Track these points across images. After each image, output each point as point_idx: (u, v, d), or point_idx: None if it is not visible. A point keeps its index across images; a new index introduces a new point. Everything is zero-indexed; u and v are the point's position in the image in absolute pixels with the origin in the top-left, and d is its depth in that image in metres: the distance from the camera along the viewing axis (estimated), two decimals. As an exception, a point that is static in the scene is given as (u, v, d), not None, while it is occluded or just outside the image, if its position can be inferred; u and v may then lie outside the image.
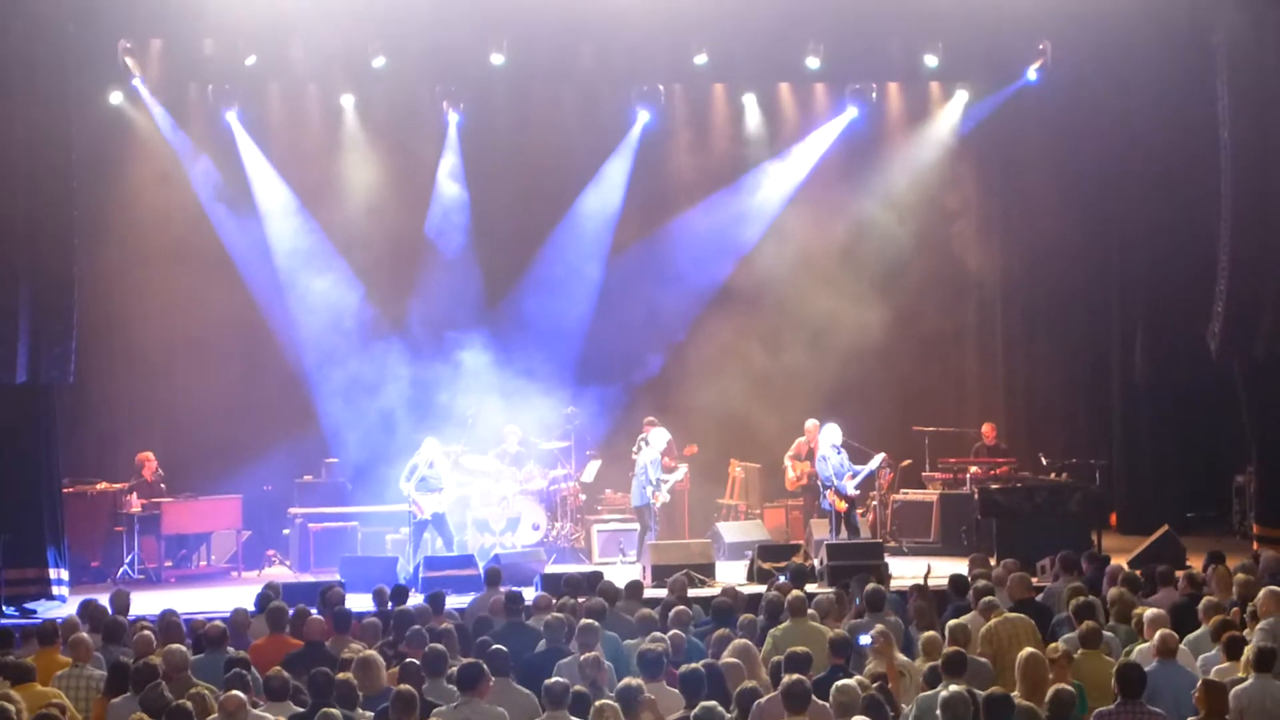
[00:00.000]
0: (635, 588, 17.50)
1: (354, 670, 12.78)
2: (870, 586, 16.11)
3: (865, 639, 13.83)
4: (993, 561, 19.54)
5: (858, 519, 23.24)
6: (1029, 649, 12.97)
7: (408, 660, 13.34)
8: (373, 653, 13.63)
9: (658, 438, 23.87)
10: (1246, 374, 23.39)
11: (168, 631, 15.32)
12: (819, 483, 23.39)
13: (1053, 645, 13.22)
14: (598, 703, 11.43)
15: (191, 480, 24.89)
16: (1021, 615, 14.94)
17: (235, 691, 11.82)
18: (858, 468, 23.01)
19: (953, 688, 11.46)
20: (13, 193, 21.01)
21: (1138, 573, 17.30)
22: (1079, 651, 13.34)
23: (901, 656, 13.86)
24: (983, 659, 13.66)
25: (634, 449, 24.63)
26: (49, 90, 21.28)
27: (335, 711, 11.49)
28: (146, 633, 14.89)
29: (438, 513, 22.94)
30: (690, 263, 26.88)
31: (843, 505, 22.88)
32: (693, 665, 12.97)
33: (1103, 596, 15.95)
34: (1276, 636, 13.43)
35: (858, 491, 23.08)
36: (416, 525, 22.91)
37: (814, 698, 11.58)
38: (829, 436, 23.13)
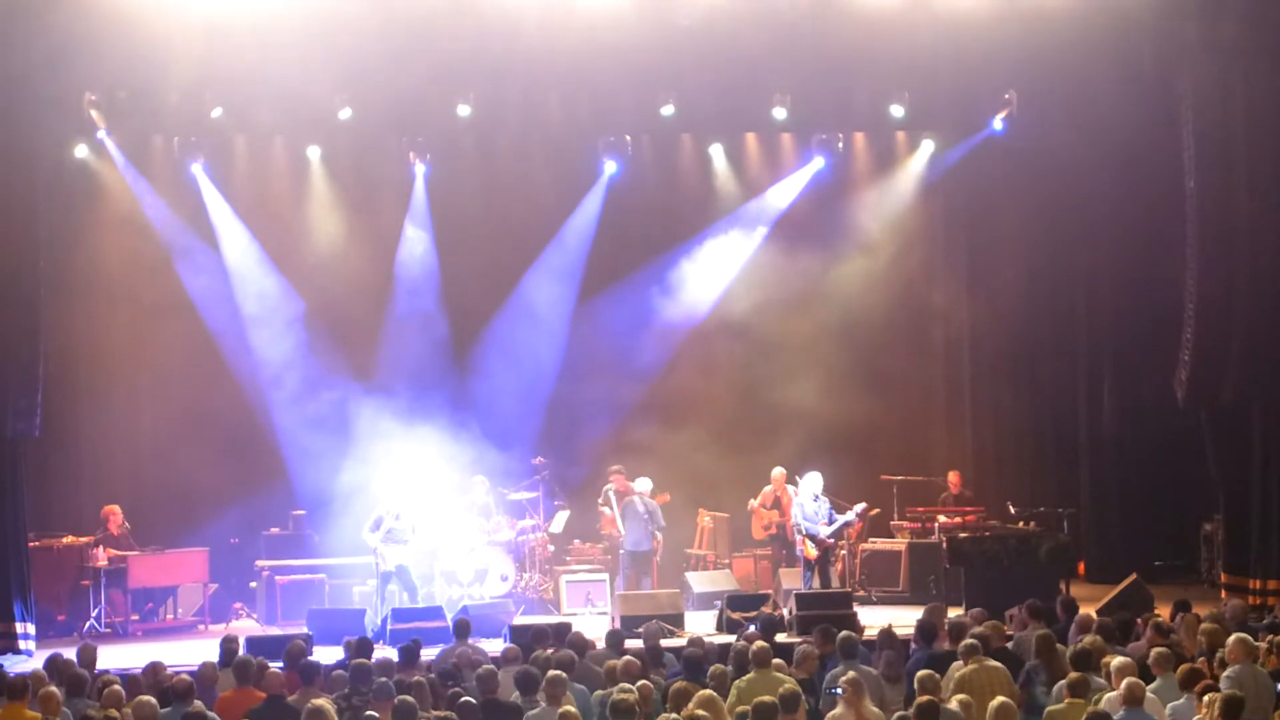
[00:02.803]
0: (615, 638, 17.40)
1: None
2: (843, 634, 16.06)
3: (837, 689, 13.79)
4: (956, 611, 19.51)
5: (830, 569, 23.18)
6: (1001, 698, 12.96)
7: (366, 714, 13.28)
8: (323, 703, 13.56)
9: (643, 485, 24.07)
10: (1213, 421, 23.45)
11: (136, 685, 15.23)
12: (796, 530, 23.35)
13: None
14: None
15: (158, 533, 24.76)
16: (998, 664, 14.95)
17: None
18: (837, 516, 22.98)
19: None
20: (-23, 244, 20.96)
21: (1110, 620, 17.30)
22: (1066, 701, 13.31)
23: (872, 708, 13.81)
24: (954, 708, 13.62)
25: (599, 499, 24.64)
26: (13, 143, 21.26)
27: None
28: (116, 687, 14.78)
29: (401, 564, 22.84)
30: (658, 312, 26.89)
31: (812, 554, 22.83)
32: (668, 717, 12.94)
33: (1070, 644, 15.91)
34: (1243, 684, 13.44)
35: (831, 541, 23.02)
36: (382, 576, 22.81)
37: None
38: (809, 485, 23.09)
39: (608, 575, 24.62)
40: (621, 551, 24.35)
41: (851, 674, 14.16)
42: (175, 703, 14.42)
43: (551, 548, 25.31)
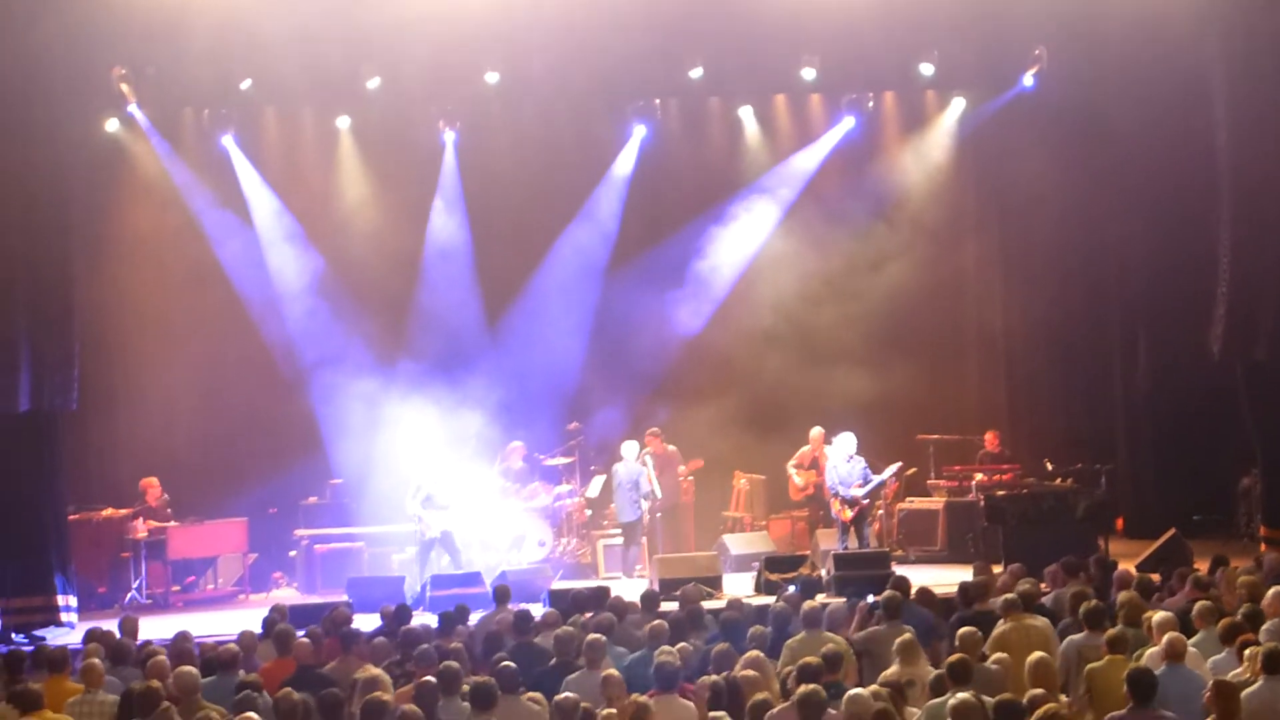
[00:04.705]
0: (650, 599, 17.45)
1: (361, 690, 12.80)
2: (887, 593, 16.06)
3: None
4: (997, 569, 19.52)
5: (867, 529, 23.20)
6: (1039, 653, 12.96)
7: (421, 680, 13.31)
8: (378, 672, 13.66)
9: (628, 451, 24.13)
10: (1249, 376, 23.37)
11: (180, 655, 15.31)
12: (829, 492, 23.38)
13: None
14: (604, 711, 11.45)
15: (196, 504, 24.86)
16: (1037, 620, 14.95)
17: (250, 714, 11.76)
18: (872, 476, 22.99)
19: (960, 695, 11.42)
20: (11, 222, 21.01)
21: (1154, 577, 17.27)
22: (1106, 658, 13.30)
23: (927, 666, 13.79)
24: (995, 665, 13.62)
25: (638, 461, 24.66)
26: (45, 118, 21.29)
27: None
28: (160, 658, 14.85)
29: (445, 530, 22.94)
30: (690, 275, 26.87)
31: (847, 515, 22.86)
32: (712, 678, 12.98)
33: (1110, 601, 15.89)
34: (1284, 637, 13.40)
35: (866, 500, 23.03)
36: (424, 544, 22.92)
37: (829, 709, 11.57)
38: (842, 446, 23.11)
39: (645, 538, 24.66)
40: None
41: (907, 634, 14.18)
42: (219, 672, 14.47)
43: (588, 512, 25.38)
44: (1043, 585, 17.92)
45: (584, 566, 24.57)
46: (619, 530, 24.52)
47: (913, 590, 17.14)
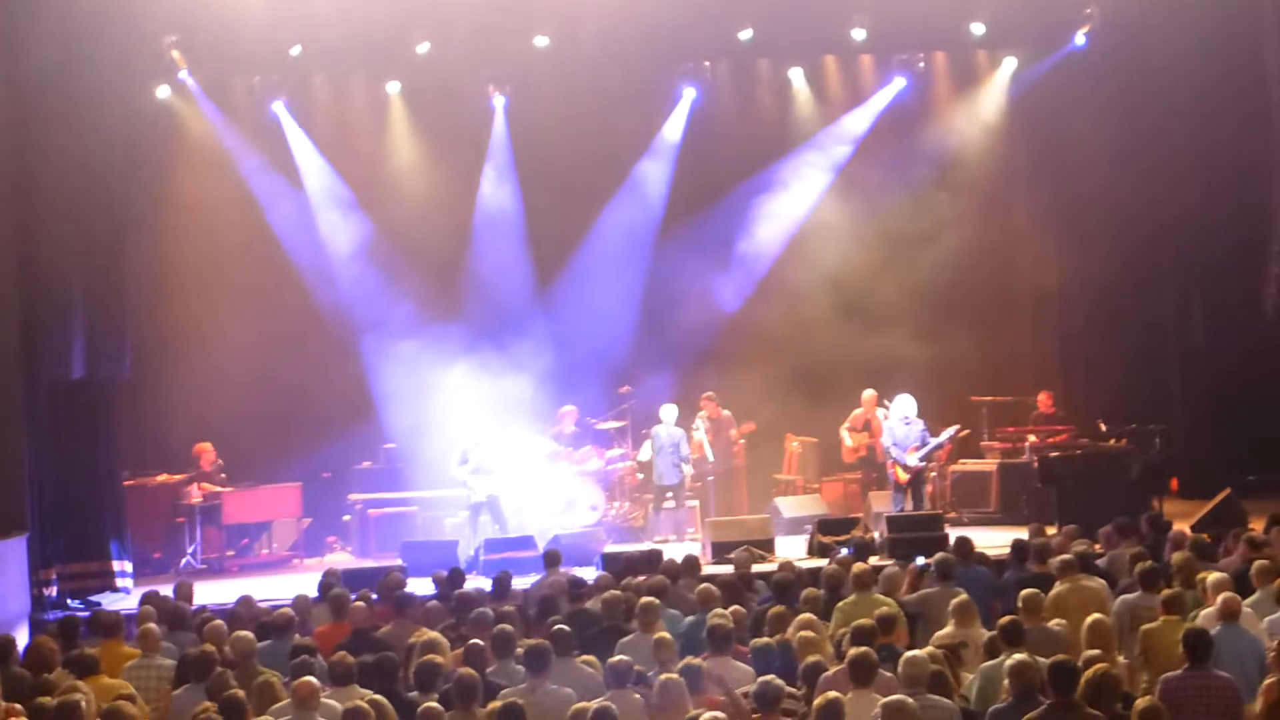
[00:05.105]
0: (692, 564, 17.46)
1: (418, 654, 12.85)
2: (940, 556, 16.05)
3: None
4: (1051, 530, 19.46)
5: (924, 492, 23.16)
6: (1097, 614, 12.93)
7: (471, 642, 13.36)
8: (436, 635, 13.71)
9: (668, 414, 24.18)
10: (1305, 333, 23.25)
11: (235, 620, 15.39)
12: (886, 454, 23.35)
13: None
14: (662, 676, 11.47)
15: (250, 469, 24.98)
16: (1093, 581, 14.91)
17: (308, 678, 11.82)
18: (930, 438, 22.96)
19: (1017, 656, 11.40)
20: (64, 190, 21.04)
21: (1206, 537, 17.20)
22: (1161, 618, 13.26)
23: (980, 629, 13.76)
24: (1056, 626, 13.58)
25: (693, 425, 24.64)
26: (97, 86, 21.32)
27: (408, 695, 11.51)
28: (217, 622, 14.93)
29: (492, 494, 23.01)
30: (741, 238, 26.85)
31: (903, 477, 22.83)
32: (765, 640, 12.99)
33: (1165, 562, 15.83)
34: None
35: (922, 464, 22.99)
36: (472, 508, 23.02)
37: (881, 670, 11.58)
38: (900, 408, 23.08)
39: (698, 501, 24.68)
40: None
41: (961, 595, 14.16)
42: (274, 636, 14.55)
43: (640, 476, 25.38)
44: (1096, 546, 17.89)
45: (635, 530, 24.60)
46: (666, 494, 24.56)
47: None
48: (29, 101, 20.77)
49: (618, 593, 15.22)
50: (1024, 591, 13.92)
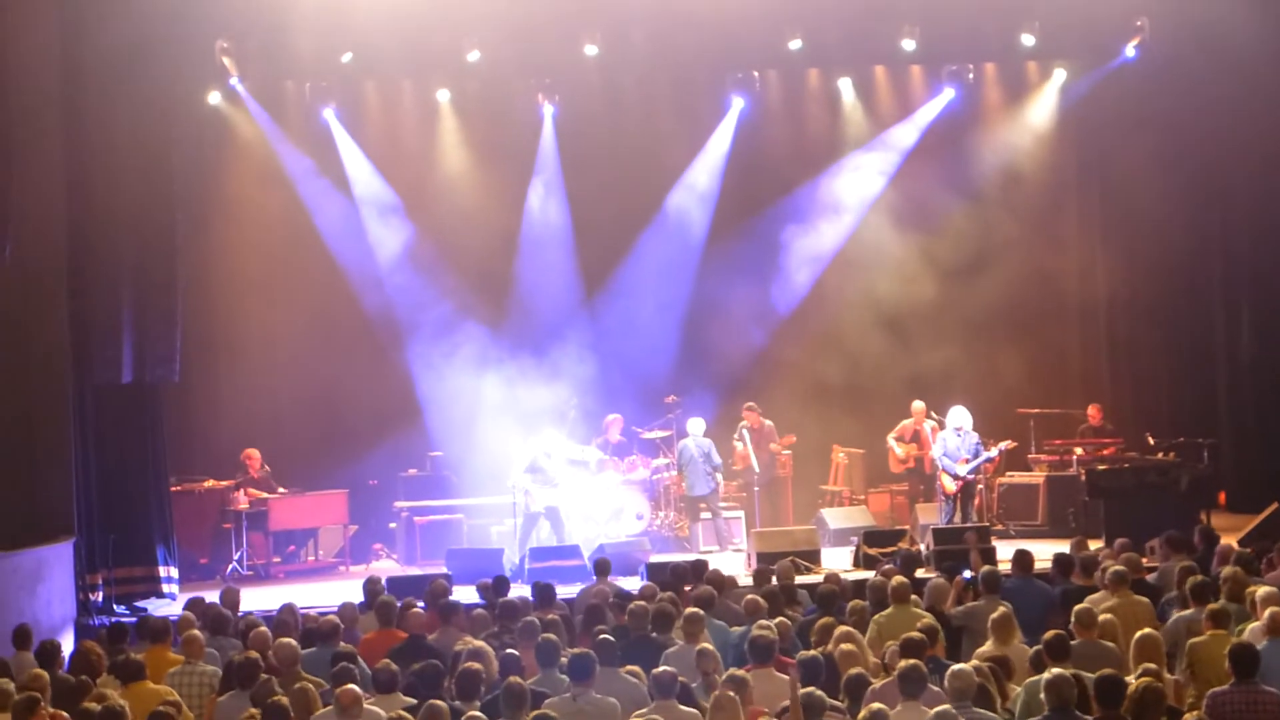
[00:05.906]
0: (717, 578, 17.23)
1: (465, 661, 12.85)
2: (986, 569, 16.00)
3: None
4: (1096, 544, 19.37)
5: (971, 506, 23.08)
6: (1145, 629, 12.86)
7: (507, 652, 13.37)
8: (481, 642, 13.71)
9: (695, 427, 24.13)
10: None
11: (281, 627, 15.41)
12: (933, 465, 23.32)
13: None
14: (715, 693, 11.43)
15: (296, 476, 25.05)
16: (1140, 597, 14.84)
17: (350, 685, 11.83)
18: (983, 450, 22.90)
19: (1055, 670, 11.34)
20: (116, 194, 21.11)
21: (1249, 551, 17.10)
22: (1208, 632, 13.19)
23: (1020, 643, 13.72)
24: (1108, 642, 13.51)
25: (735, 436, 24.63)
26: (148, 92, 21.36)
27: (443, 704, 11.50)
28: (261, 629, 14.97)
29: (551, 505, 23.02)
30: (788, 248, 26.78)
31: (950, 488, 22.77)
32: (810, 653, 12.96)
33: (1213, 575, 15.74)
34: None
35: (971, 476, 22.92)
36: (528, 517, 23.02)
37: (929, 683, 11.54)
38: (954, 419, 23.03)
39: (743, 512, 24.64)
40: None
41: (1002, 609, 14.11)
42: (320, 644, 14.57)
43: (685, 485, 25.35)
44: (1145, 560, 17.80)
45: (680, 540, 24.58)
46: (720, 503, 24.51)
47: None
48: (81, 105, 20.86)
49: (643, 603, 15.16)
50: (1078, 606, 13.86)
